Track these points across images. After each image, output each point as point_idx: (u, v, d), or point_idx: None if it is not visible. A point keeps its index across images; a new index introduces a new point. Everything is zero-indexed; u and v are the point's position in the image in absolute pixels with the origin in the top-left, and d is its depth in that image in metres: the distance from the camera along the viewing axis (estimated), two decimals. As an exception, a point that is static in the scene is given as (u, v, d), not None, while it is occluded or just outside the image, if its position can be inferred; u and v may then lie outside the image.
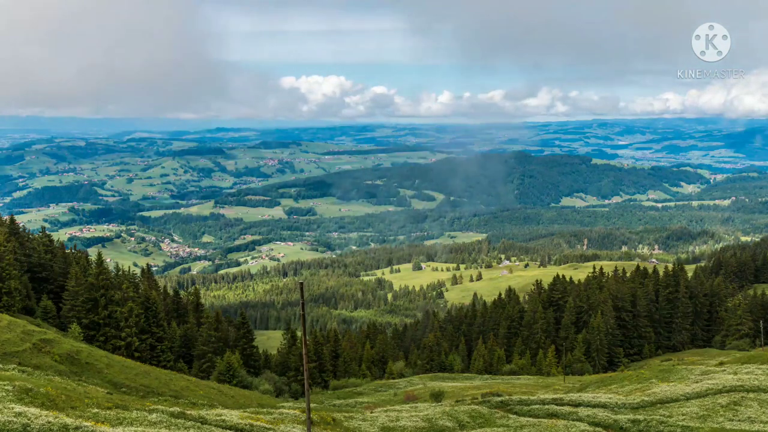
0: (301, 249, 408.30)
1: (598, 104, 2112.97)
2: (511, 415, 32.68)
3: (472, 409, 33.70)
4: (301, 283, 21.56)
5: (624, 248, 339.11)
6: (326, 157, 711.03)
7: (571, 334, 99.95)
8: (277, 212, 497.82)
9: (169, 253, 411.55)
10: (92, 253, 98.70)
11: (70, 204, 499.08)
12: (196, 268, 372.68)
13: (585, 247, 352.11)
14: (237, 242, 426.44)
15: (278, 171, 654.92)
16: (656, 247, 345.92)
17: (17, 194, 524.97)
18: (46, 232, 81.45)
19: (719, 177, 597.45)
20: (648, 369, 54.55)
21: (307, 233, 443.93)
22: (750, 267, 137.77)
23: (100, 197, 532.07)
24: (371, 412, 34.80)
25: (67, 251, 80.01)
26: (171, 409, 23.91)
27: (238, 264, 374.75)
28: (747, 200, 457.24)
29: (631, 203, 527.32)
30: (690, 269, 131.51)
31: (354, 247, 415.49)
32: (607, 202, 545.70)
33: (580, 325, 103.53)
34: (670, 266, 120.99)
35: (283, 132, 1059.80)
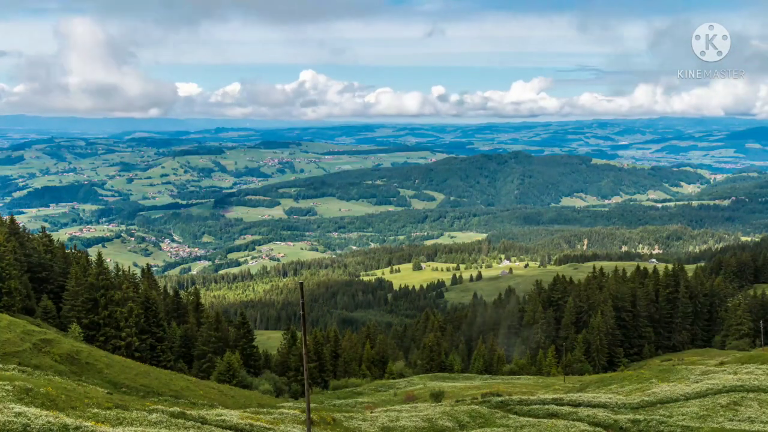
0: (301, 249, 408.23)
1: (599, 104, 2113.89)
2: (511, 415, 32.67)
3: (472, 409, 33.69)
4: (301, 283, 21.55)
5: (624, 248, 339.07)
6: (326, 157, 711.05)
7: (571, 334, 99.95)
8: (277, 212, 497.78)
9: (169, 253, 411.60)
10: (92, 253, 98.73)
11: (70, 204, 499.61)
12: (196, 268, 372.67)
13: (585, 247, 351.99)
14: (237, 242, 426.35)
15: (278, 171, 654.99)
16: (656, 247, 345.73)
17: (17, 194, 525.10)
18: (46, 232, 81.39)
19: (719, 177, 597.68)
20: (648, 369, 54.58)
21: (307, 233, 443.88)
22: (750, 267, 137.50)
23: (100, 197, 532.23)
24: (371, 412, 34.80)
25: (67, 251, 79.94)
26: (171, 409, 23.91)
27: (238, 264, 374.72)
28: (747, 200, 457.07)
29: (631, 203, 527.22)
30: (690, 269, 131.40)
31: (354, 247, 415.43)
32: (607, 202, 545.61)
33: (580, 325, 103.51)
34: (670, 266, 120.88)
35: (284, 132, 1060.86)
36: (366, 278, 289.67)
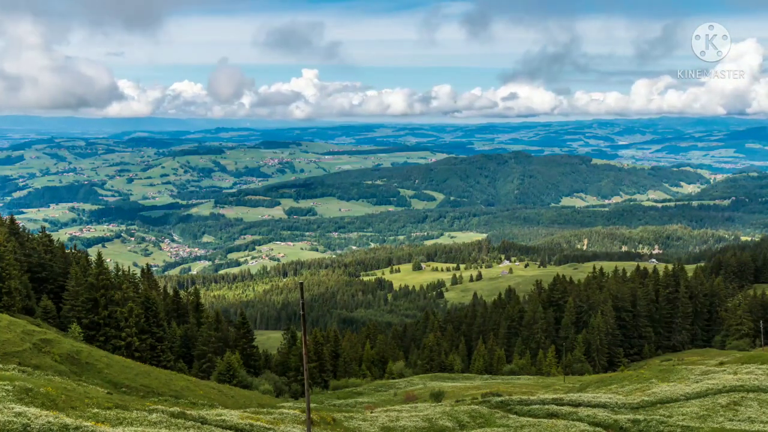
0: (301, 249, 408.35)
1: (599, 104, 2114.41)
2: (511, 415, 32.67)
3: (472, 409, 33.69)
4: (301, 283, 21.56)
5: (624, 248, 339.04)
6: (326, 157, 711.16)
7: (571, 334, 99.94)
8: (277, 212, 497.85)
9: (169, 253, 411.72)
10: (92, 253, 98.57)
11: (70, 204, 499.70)
12: (196, 268, 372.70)
13: (585, 247, 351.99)
14: (237, 242, 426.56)
15: (278, 171, 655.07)
16: (656, 247, 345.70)
17: (17, 194, 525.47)
18: (46, 232, 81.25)
19: (719, 177, 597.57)
20: (648, 369, 54.56)
21: (307, 233, 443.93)
22: (750, 267, 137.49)
23: (100, 197, 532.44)
24: (371, 412, 34.80)
25: (67, 251, 79.84)
26: (171, 409, 23.90)
27: (238, 264, 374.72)
28: (747, 200, 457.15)
29: (631, 203, 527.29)
30: (690, 269, 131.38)
31: (354, 247, 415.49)
32: (607, 202, 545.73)
33: (580, 325, 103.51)
34: (670, 266, 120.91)
35: (284, 132, 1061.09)
36: (366, 278, 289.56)
